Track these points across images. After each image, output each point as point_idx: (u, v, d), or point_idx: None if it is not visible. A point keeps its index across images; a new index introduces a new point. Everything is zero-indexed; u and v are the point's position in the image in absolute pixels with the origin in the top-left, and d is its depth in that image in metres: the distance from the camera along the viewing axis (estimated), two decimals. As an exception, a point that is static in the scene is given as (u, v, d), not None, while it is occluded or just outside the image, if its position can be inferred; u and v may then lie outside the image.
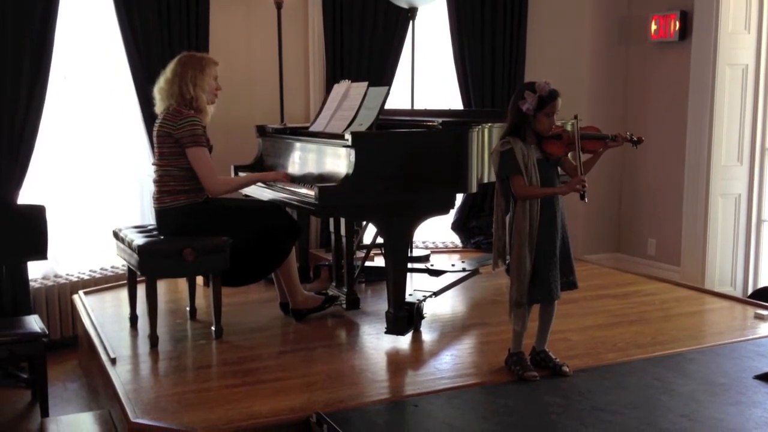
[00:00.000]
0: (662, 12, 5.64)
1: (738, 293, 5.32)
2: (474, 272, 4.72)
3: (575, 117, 3.16)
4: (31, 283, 4.54)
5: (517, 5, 5.79)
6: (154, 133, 3.82)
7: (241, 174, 4.37)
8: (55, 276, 4.78)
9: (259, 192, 4.19)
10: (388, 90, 3.85)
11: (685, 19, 5.48)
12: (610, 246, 6.28)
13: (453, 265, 4.82)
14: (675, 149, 5.63)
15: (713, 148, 5.36)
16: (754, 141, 5.42)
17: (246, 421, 2.84)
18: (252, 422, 2.84)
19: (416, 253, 5.34)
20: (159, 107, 3.83)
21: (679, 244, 5.63)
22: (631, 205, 6.19)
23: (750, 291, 5.36)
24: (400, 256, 3.72)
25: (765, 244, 5.50)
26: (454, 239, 6.04)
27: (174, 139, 3.70)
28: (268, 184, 4.09)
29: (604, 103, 6.02)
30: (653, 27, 5.71)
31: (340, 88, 4.24)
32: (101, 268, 4.99)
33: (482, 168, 3.89)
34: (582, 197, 3.13)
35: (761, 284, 5.38)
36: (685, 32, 5.50)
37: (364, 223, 4.69)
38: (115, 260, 4.89)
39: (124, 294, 4.42)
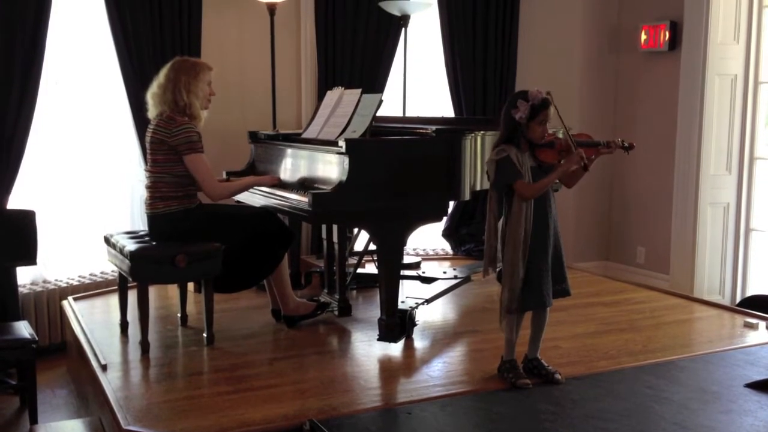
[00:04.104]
0: (652, 22, 5.68)
1: (726, 302, 5.35)
2: (466, 280, 4.73)
3: (548, 94, 3.14)
4: (20, 289, 4.50)
5: (509, 13, 5.82)
6: (147, 139, 3.80)
7: (233, 179, 4.36)
8: (44, 281, 4.74)
9: (251, 198, 4.19)
10: (382, 98, 3.85)
11: (675, 30, 5.53)
12: (600, 254, 6.31)
13: (444, 273, 4.83)
14: (664, 158, 5.67)
15: (702, 157, 5.41)
16: (743, 150, 5.47)
17: (239, 428, 2.83)
18: (245, 429, 2.82)
19: (407, 260, 5.34)
20: (152, 112, 3.81)
21: (668, 253, 5.67)
22: (620, 213, 6.23)
23: (738, 299, 5.40)
24: (393, 264, 3.71)
25: (753, 252, 5.54)
26: (445, 246, 6.05)
27: (168, 146, 3.68)
28: (261, 189, 4.09)
29: (594, 112, 6.06)
30: (643, 37, 5.75)
31: (333, 94, 4.24)
32: (90, 274, 4.96)
33: (475, 176, 3.90)
34: (585, 168, 3.15)
35: (749, 293, 5.41)
36: (674, 42, 5.55)
37: (356, 229, 4.69)
38: (105, 266, 4.88)
39: (113, 300, 4.40)
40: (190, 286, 4.37)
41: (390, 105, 5.25)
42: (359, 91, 4.01)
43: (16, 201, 4.43)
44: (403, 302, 3.92)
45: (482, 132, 3.94)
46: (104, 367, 3.43)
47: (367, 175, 3.57)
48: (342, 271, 4.23)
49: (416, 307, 3.96)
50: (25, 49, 4.35)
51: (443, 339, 3.94)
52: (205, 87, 3.80)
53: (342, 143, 3.57)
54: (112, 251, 3.90)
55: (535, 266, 3.20)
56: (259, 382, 3.30)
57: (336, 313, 4.20)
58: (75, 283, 4.83)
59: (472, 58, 5.75)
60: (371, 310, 4.30)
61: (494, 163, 3.18)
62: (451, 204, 4.89)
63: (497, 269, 3.27)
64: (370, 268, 4.80)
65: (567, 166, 3.19)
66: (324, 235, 4.50)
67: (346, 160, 3.55)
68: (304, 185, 3.90)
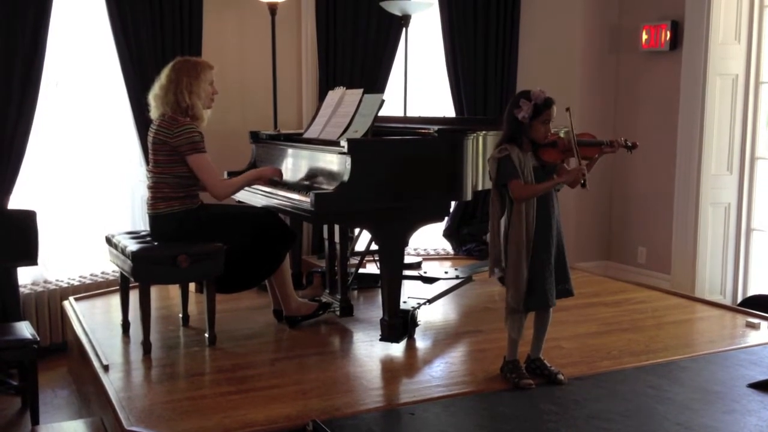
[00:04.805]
0: (653, 22, 5.68)
1: (727, 301, 5.35)
2: (467, 280, 4.72)
3: (567, 109, 3.12)
4: (21, 289, 4.49)
5: (510, 13, 5.82)
6: (149, 140, 3.79)
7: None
8: (45, 282, 4.74)
9: (253, 198, 4.18)
10: (383, 99, 3.84)
11: (676, 29, 5.53)
12: (601, 254, 6.31)
13: (446, 273, 4.83)
14: (665, 158, 5.67)
15: (703, 157, 5.41)
16: (744, 150, 5.47)
17: (242, 429, 2.83)
18: (248, 430, 2.82)
19: (408, 260, 5.32)
20: (154, 113, 3.80)
21: (669, 253, 5.67)
22: (621, 213, 6.23)
23: (739, 299, 5.40)
24: (395, 264, 3.71)
25: (754, 252, 5.54)
26: (446, 246, 6.04)
27: (170, 147, 3.67)
28: (262, 189, 4.08)
29: (595, 112, 6.06)
30: (644, 36, 5.75)
31: (334, 94, 4.23)
32: (91, 274, 4.95)
33: (476, 176, 3.90)
34: (583, 185, 3.14)
35: (750, 292, 5.41)
36: (675, 42, 5.55)
37: (358, 230, 4.69)
38: (106, 266, 4.87)
39: (114, 300, 4.41)
40: (192, 286, 4.37)
41: (391, 105, 5.24)
42: (361, 91, 4.00)
43: (17, 201, 4.43)
44: (404, 302, 3.92)
45: (484, 132, 3.94)
46: (106, 368, 3.43)
47: (369, 175, 3.56)
48: (343, 272, 4.23)
49: (418, 308, 3.96)
50: (26, 50, 4.34)
51: (445, 339, 3.93)
52: (207, 87, 3.79)
53: (344, 143, 3.57)
54: (114, 251, 3.89)
55: (538, 266, 3.20)
56: (262, 382, 3.30)
57: (337, 313, 4.19)
58: (76, 283, 4.82)
59: (473, 58, 5.75)
60: (373, 310, 4.29)
61: (495, 161, 3.18)
62: (453, 204, 4.89)
63: (503, 269, 3.26)
64: (372, 268, 4.80)
65: (566, 179, 3.18)
66: (325, 235, 4.49)
67: (348, 160, 3.54)
68: (305, 185, 3.89)
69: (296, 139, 4.23)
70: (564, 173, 3.21)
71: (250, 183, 3.99)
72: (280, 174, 4.03)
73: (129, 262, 3.63)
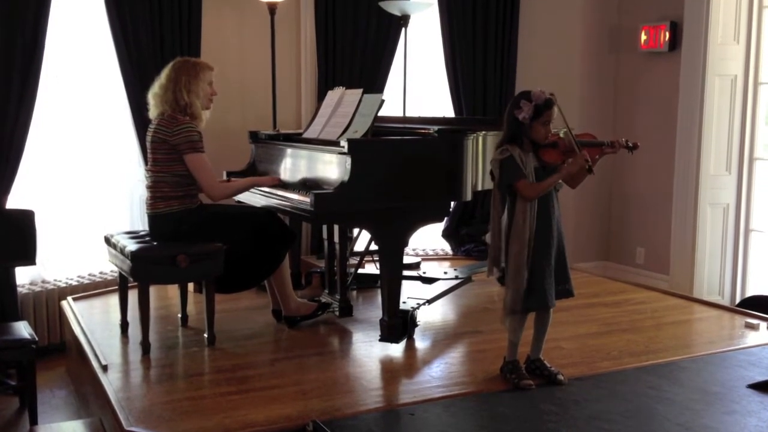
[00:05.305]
0: (652, 22, 5.69)
1: (726, 302, 5.36)
2: (466, 280, 4.72)
3: (551, 95, 3.14)
4: (19, 289, 4.48)
5: (509, 14, 5.82)
6: (148, 139, 3.78)
7: (234, 179, 4.35)
8: (43, 282, 4.72)
9: (252, 198, 4.17)
10: (383, 99, 3.83)
11: (675, 30, 5.54)
12: (599, 254, 6.32)
13: (445, 273, 4.82)
14: (664, 158, 5.67)
15: (702, 158, 5.42)
16: (743, 151, 5.48)
17: (242, 429, 2.82)
18: (248, 430, 2.81)
19: (407, 260, 5.32)
20: (153, 113, 3.80)
21: (668, 253, 5.67)
22: (620, 213, 6.23)
23: (738, 300, 5.40)
24: (395, 264, 3.71)
25: (753, 253, 5.54)
26: (445, 246, 6.04)
27: (169, 145, 3.67)
28: (262, 189, 4.08)
29: (594, 112, 6.06)
30: (643, 37, 5.76)
31: (334, 94, 4.23)
32: (89, 274, 4.93)
33: (476, 176, 3.89)
34: (589, 170, 3.11)
35: (749, 293, 5.42)
36: (674, 43, 5.55)
37: (357, 230, 4.68)
38: (104, 266, 4.86)
39: (113, 300, 4.39)
40: (190, 286, 4.36)
41: (390, 105, 5.23)
42: (360, 91, 3.99)
43: (15, 201, 4.41)
44: (404, 303, 3.91)
45: (484, 132, 3.93)
46: (105, 368, 3.42)
47: (369, 175, 3.56)
48: (343, 272, 4.22)
49: (417, 308, 3.95)
50: (26, 45, 4.32)
51: (444, 339, 3.93)
52: (206, 87, 3.79)
53: (344, 143, 3.56)
54: (113, 251, 3.88)
55: (538, 267, 3.19)
56: (261, 382, 3.30)
57: (337, 313, 4.19)
58: (74, 283, 4.81)
59: (472, 58, 5.74)
60: (372, 310, 4.29)
61: (498, 162, 3.18)
62: (452, 204, 4.88)
63: (501, 269, 3.26)
64: (371, 269, 4.79)
65: (571, 168, 3.17)
66: (325, 236, 4.49)
67: (348, 160, 3.54)
68: (305, 185, 3.89)
69: (296, 139, 4.22)
70: (570, 163, 3.16)
71: (246, 190, 4.01)
72: (280, 182, 4.05)
73: (128, 262, 3.62)
